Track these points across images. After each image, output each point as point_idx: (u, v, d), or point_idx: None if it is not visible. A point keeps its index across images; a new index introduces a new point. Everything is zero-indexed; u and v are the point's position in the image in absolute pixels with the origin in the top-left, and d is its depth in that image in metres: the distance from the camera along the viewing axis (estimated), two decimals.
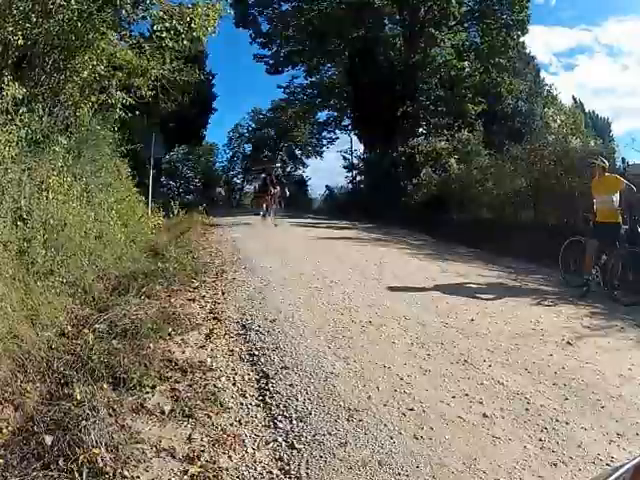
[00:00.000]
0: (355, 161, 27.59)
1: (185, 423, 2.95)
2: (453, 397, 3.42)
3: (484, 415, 3.21)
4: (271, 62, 25.77)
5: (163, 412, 3.03)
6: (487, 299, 6.37)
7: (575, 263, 7.93)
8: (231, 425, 2.96)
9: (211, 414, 3.04)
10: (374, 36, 23.37)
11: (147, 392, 3.22)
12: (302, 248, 9.78)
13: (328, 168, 33.34)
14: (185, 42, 7.38)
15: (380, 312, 5.34)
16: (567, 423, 3.18)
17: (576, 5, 44.97)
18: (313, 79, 27.99)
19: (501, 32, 23.12)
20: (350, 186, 27.08)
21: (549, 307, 6.19)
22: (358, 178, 26.86)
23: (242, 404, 3.23)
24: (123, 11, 6.58)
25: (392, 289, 6.46)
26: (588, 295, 7.10)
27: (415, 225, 14.93)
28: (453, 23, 23.33)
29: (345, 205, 23.59)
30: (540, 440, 2.96)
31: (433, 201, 16.44)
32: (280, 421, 3.02)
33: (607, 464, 2.74)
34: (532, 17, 23.51)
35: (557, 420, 3.21)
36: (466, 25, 24.34)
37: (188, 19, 7.08)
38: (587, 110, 34.40)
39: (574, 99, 33.91)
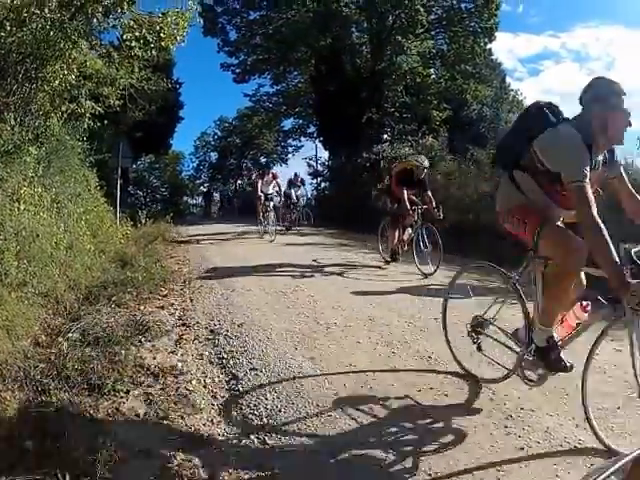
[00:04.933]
0: (320, 168, 27.67)
1: (160, 425, 3.07)
2: (419, 390, 3.59)
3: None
4: (238, 71, 25.85)
5: (138, 415, 3.16)
6: (455, 298, 6.40)
7: None
8: (204, 425, 3.09)
9: (184, 415, 3.17)
10: (341, 44, 23.50)
11: (121, 397, 3.33)
12: (268, 254, 9.99)
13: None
14: (154, 51, 7.48)
15: (345, 314, 5.52)
16: (532, 410, 3.30)
17: (543, 12, 45.90)
18: (279, 87, 28.20)
19: (468, 39, 23.43)
20: (315, 193, 27.25)
21: (513, 305, 6.26)
22: (323, 185, 26.94)
23: (213, 405, 3.37)
24: (94, 20, 6.65)
25: (357, 292, 6.62)
26: None
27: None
28: (421, 31, 23.49)
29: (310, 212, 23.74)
30: (506, 427, 3.10)
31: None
32: (251, 420, 3.15)
33: (575, 446, 2.87)
34: (500, 23, 23.67)
35: (522, 408, 3.33)
36: (433, 33, 24.65)
37: (158, 28, 7.19)
38: None
39: None
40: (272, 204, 13.87)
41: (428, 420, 3.18)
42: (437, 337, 4.45)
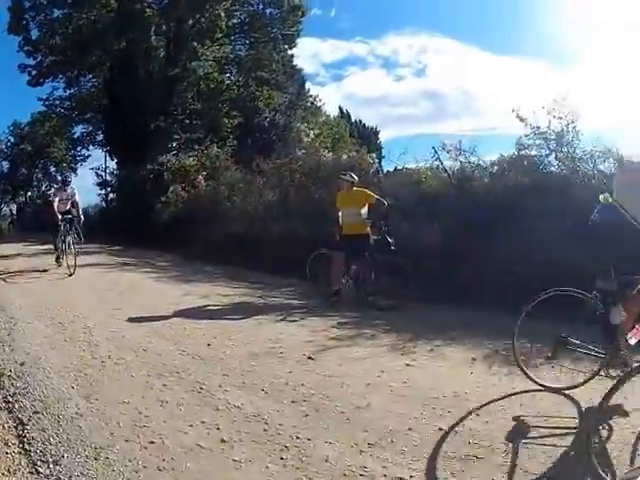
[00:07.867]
0: (109, 178, 26.75)
1: None
2: (190, 426, 3.61)
3: (222, 440, 3.37)
4: (34, 72, 23.74)
5: None
6: (228, 319, 6.72)
7: (324, 275, 8.20)
8: (2, 475, 3.08)
9: None
10: (137, 47, 22.78)
11: None
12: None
13: (84, 186, 31.70)
14: None
15: (119, 344, 5.60)
16: (309, 439, 3.33)
17: (357, 18, 47.33)
18: (72, 91, 26.56)
19: (267, 46, 24.28)
20: (104, 204, 26.27)
21: (293, 322, 6.48)
22: (111, 196, 26.23)
23: (7, 453, 3.32)
24: None
25: (133, 319, 6.72)
26: (340, 305, 7.41)
27: (165, 245, 14.91)
28: (219, 36, 23.56)
29: (96, 226, 22.13)
30: (282, 459, 3.10)
31: (182, 219, 16.43)
32: (40, 467, 3.12)
33: (360, 474, 2.93)
34: (307, 28, 24.88)
35: (298, 437, 3.36)
36: (233, 38, 25.04)
37: None
38: (354, 119, 37.20)
39: (340, 109, 36.33)
40: None
41: (200, 457, 3.19)
42: None
